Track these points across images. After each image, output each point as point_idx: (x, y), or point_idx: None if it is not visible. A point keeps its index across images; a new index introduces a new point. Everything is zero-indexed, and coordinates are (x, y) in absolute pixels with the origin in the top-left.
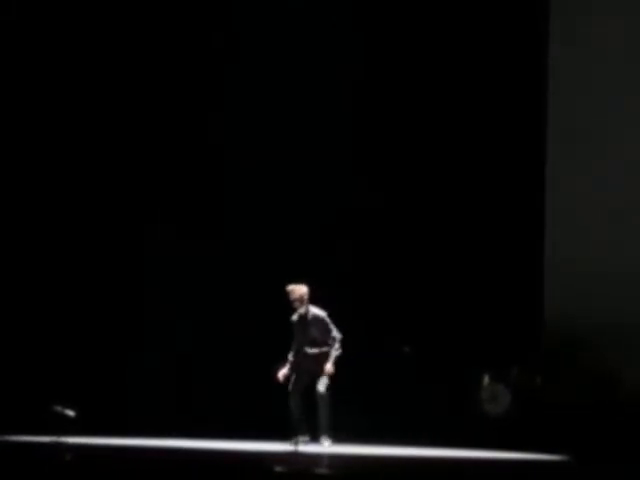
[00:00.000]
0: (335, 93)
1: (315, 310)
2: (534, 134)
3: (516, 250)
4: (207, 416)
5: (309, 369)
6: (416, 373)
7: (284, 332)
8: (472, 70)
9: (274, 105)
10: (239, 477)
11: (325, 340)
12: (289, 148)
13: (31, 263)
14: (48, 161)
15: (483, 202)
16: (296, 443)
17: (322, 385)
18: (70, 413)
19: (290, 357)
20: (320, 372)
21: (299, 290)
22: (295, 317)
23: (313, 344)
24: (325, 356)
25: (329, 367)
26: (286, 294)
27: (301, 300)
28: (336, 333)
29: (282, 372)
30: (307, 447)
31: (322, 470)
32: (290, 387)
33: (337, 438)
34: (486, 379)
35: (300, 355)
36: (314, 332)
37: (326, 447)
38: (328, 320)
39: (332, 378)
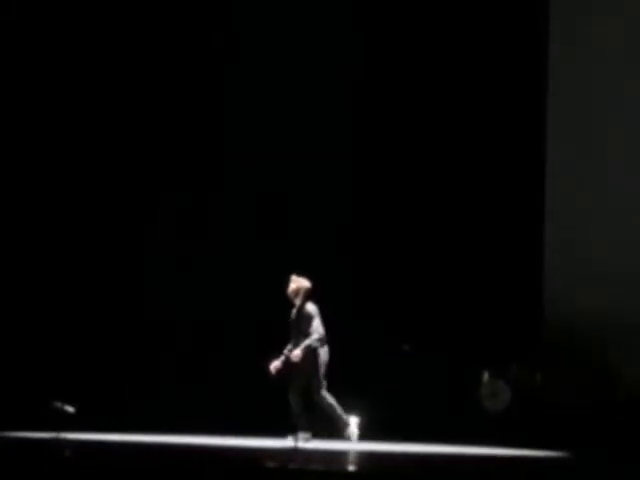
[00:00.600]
0: (335, 93)
1: (309, 305)
2: (534, 134)
3: (516, 248)
4: (207, 412)
5: (304, 366)
6: (416, 370)
7: (284, 330)
8: (472, 70)
9: (274, 105)
10: (238, 474)
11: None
12: (289, 148)
13: (30, 260)
14: (47, 158)
15: (483, 200)
16: (296, 440)
17: (315, 391)
18: (70, 409)
19: (286, 351)
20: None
21: (297, 283)
22: (293, 312)
23: (303, 337)
24: (313, 353)
25: (296, 352)
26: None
27: (295, 293)
28: (317, 326)
29: (274, 364)
30: (307, 444)
31: (321, 467)
32: (289, 385)
33: (337, 435)
34: (486, 376)
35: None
36: (306, 327)
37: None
38: (316, 314)
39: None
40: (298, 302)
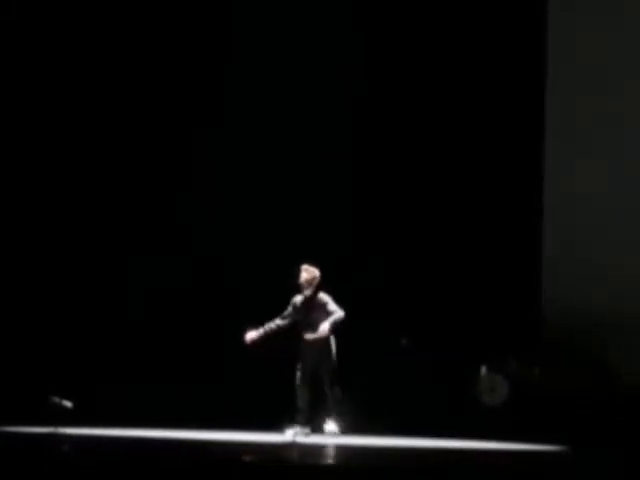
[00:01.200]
0: (335, 93)
1: (322, 295)
2: (533, 133)
3: (515, 246)
4: (206, 408)
5: (312, 358)
6: (414, 365)
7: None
8: (472, 70)
9: (274, 105)
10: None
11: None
12: (289, 148)
13: (28, 257)
14: (45, 158)
15: (483, 199)
16: (295, 434)
17: (327, 384)
18: (67, 404)
19: (266, 327)
20: (322, 362)
21: (312, 273)
22: (299, 298)
23: (311, 328)
24: (323, 340)
25: (324, 326)
26: (297, 272)
27: (309, 282)
28: (339, 310)
29: (250, 334)
30: (306, 439)
31: (319, 461)
32: (297, 380)
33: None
34: (484, 370)
35: (299, 339)
36: (315, 317)
37: (330, 429)
38: (331, 300)
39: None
40: (309, 292)
